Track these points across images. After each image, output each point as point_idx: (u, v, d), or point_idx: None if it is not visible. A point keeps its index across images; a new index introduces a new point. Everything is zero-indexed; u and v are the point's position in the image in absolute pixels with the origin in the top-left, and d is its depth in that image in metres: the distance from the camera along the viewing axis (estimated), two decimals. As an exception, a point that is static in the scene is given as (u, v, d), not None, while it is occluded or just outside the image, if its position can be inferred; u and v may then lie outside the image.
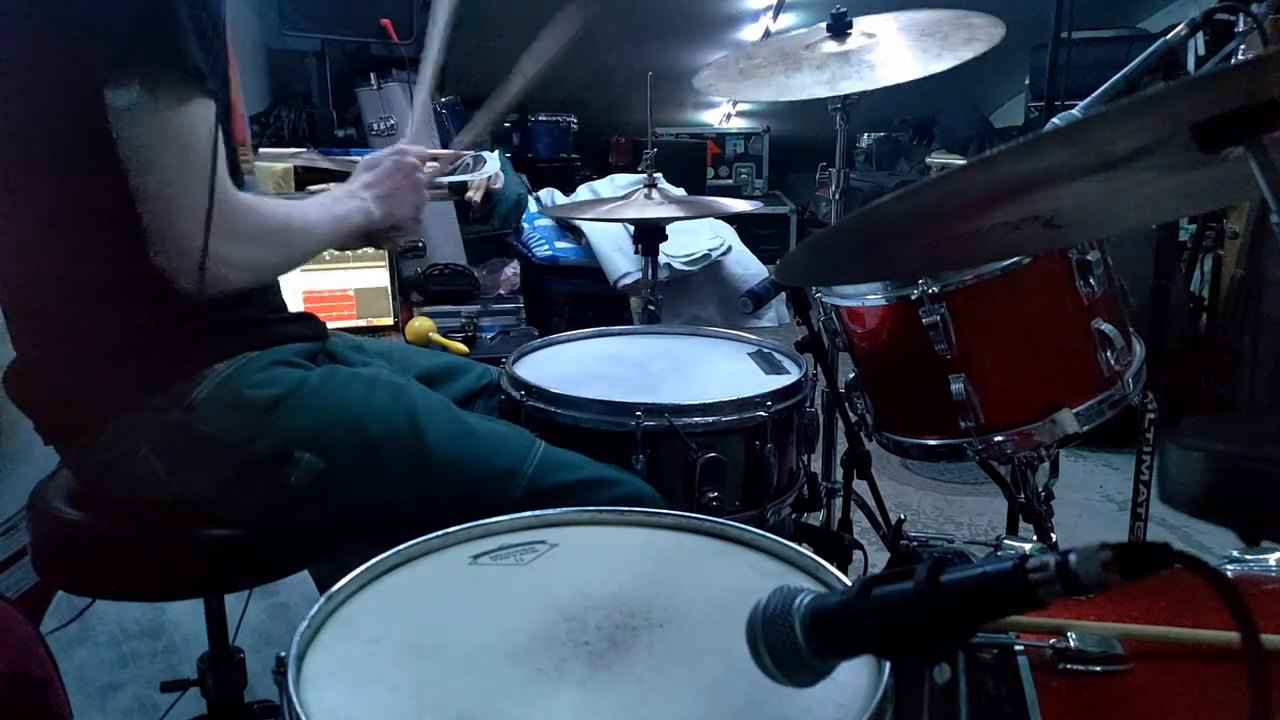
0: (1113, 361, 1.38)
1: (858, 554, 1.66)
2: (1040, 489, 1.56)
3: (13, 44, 1.01)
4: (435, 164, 1.38)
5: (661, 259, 2.19)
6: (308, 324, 1.28)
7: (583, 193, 4.31)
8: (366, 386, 1.19)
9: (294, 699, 0.68)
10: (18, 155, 1.06)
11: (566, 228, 4.05)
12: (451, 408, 1.25)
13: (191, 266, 1.01)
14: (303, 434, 1.12)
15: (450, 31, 1.46)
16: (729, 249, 4.31)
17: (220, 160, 1.03)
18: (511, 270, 3.31)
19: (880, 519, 1.77)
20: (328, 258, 2.42)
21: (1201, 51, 3.13)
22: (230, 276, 1.05)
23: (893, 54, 1.70)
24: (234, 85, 1.14)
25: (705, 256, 4.20)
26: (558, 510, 0.99)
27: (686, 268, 4.16)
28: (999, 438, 1.39)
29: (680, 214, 1.98)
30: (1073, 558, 0.51)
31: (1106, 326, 1.38)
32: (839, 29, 1.75)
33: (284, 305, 1.28)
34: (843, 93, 1.72)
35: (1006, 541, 1.07)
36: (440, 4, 1.42)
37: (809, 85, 1.68)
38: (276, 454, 1.12)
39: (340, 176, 2.50)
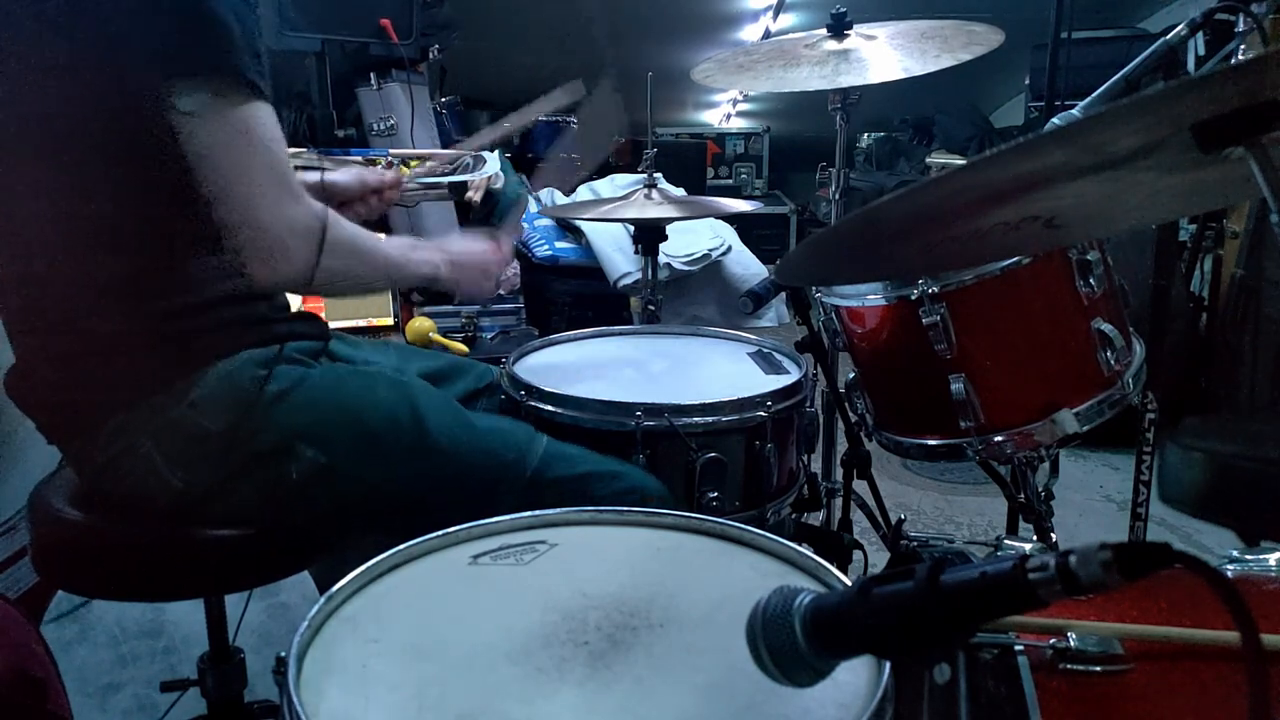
0: (1113, 361, 1.38)
1: (858, 554, 1.66)
2: (1040, 489, 1.56)
3: (51, 48, 1.02)
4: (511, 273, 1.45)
5: (661, 259, 2.18)
6: (310, 323, 1.29)
7: (583, 193, 4.31)
8: (367, 381, 1.20)
9: (294, 699, 0.68)
10: (24, 152, 1.06)
11: (566, 228, 4.05)
12: (453, 403, 1.25)
13: (262, 260, 1.05)
14: (304, 428, 1.13)
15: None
16: (729, 249, 4.30)
17: (286, 158, 1.07)
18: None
19: (880, 519, 1.77)
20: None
21: (1201, 51, 3.13)
22: (283, 270, 1.07)
23: (892, 53, 1.70)
24: None
25: (705, 256, 4.20)
26: (558, 510, 0.99)
27: (686, 268, 4.16)
28: (999, 438, 1.39)
29: (680, 214, 1.98)
30: (1073, 558, 0.51)
31: (1106, 326, 1.38)
32: (838, 29, 1.75)
33: (287, 305, 1.28)
34: (841, 86, 1.72)
35: (1006, 541, 1.07)
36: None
37: (807, 79, 1.69)
38: (278, 448, 1.12)
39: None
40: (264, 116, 1.05)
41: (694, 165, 6.41)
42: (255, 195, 1.04)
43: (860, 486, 1.80)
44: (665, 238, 2.04)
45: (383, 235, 1.24)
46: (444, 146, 3.41)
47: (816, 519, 1.81)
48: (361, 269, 1.18)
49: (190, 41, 1.01)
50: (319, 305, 2.43)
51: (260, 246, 1.05)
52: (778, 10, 5.27)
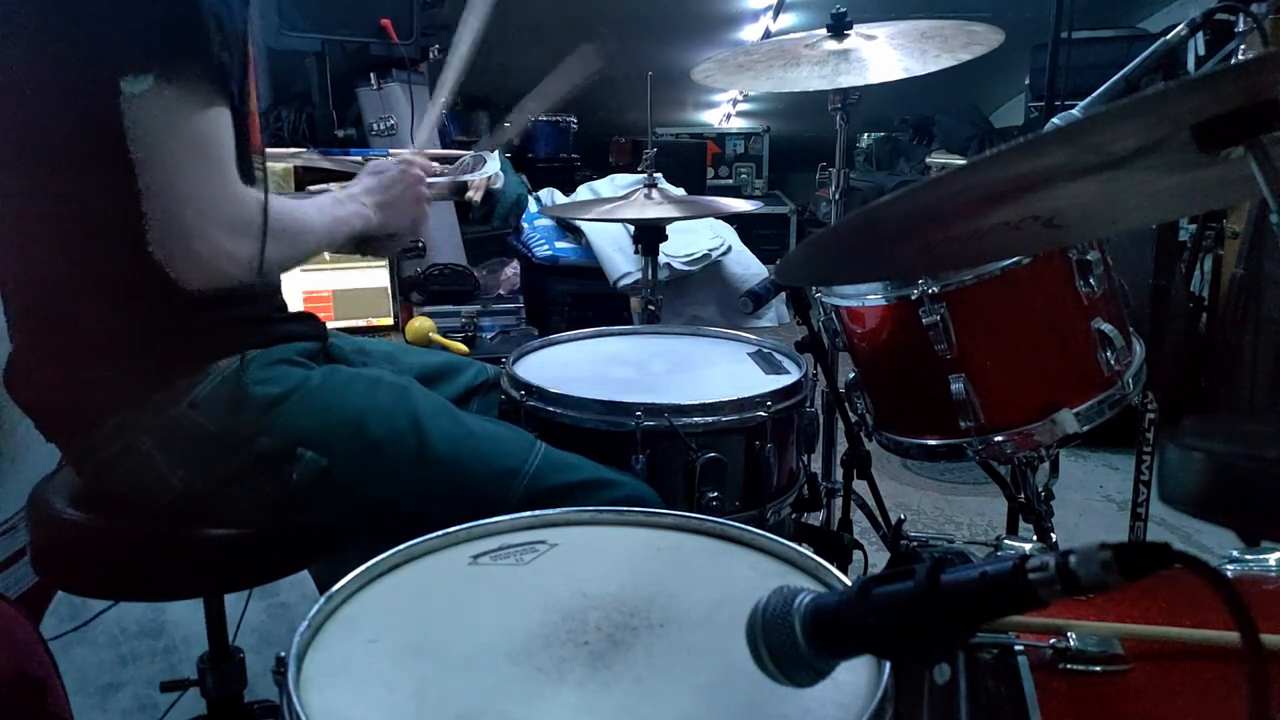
0: (1113, 361, 1.38)
1: (858, 554, 1.66)
2: (1040, 489, 1.56)
3: (24, 41, 1.01)
4: (441, 180, 1.36)
5: (661, 259, 2.19)
6: (308, 324, 1.29)
7: (583, 193, 4.31)
8: (369, 387, 1.20)
9: (294, 699, 0.68)
10: (22, 151, 1.06)
11: (566, 228, 4.05)
12: (453, 409, 1.25)
13: (189, 261, 1.02)
14: (305, 432, 1.13)
15: (479, 38, 1.41)
16: (729, 249, 4.31)
17: (230, 160, 1.04)
18: (511, 270, 3.31)
19: (880, 519, 1.77)
20: (327, 256, 2.41)
21: (1201, 51, 3.13)
22: (227, 270, 1.04)
23: (892, 53, 1.70)
24: (253, 95, 1.15)
25: (705, 256, 4.21)
26: (558, 510, 0.99)
27: (686, 268, 4.16)
28: (999, 438, 1.39)
29: (680, 214, 1.98)
30: (1073, 558, 0.51)
31: (1106, 326, 1.38)
32: (838, 29, 1.75)
33: (285, 305, 1.28)
34: (841, 86, 1.72)
35: (1006, 541, 1.07)
36: (473, 11, 1.40)
37: (807, 79, 1.69)
38: (278, 451, 1.12)
39: (341, 176, 2.50)
40: (215, 118, 1.02)
41: (694, 165, 6.40)
42: (186, 195, 1.00)
43: (860, 486, 1.80)
44: (665, 238, 2.04)
45: (303, 202, 1.18)
46: (444, 146, 3.41)
47: (816, 519, 1.81)
48: (298, 251, 1.16)
49: (148, 28, 0.98)
50: (323, 306, 2.45)
51: (186, 250, 1.01)
52: (778, 10, 5.27)
